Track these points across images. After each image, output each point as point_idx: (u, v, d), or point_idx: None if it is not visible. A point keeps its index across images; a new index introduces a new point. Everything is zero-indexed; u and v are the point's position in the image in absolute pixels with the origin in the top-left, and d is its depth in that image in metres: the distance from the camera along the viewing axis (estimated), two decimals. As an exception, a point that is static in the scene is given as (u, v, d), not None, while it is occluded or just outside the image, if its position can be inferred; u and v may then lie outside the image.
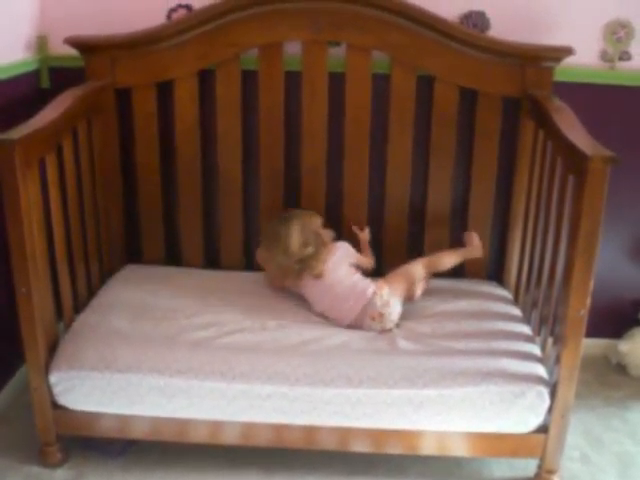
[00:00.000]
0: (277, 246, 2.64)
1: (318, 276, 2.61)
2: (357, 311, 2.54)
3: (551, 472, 2.39)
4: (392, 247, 2.96)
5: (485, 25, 2.77)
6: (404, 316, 2.61)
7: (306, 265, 2.62)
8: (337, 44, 2.76)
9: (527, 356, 2.40)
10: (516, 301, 2.82)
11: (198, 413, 2.34)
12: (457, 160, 2.86)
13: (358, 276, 2.66)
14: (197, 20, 2.69)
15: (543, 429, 2.32)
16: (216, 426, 2.38)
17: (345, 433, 2.36)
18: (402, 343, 2.45)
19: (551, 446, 2.33)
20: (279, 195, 2.92)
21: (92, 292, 2.74)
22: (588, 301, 2.15)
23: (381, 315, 2.53)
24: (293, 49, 2.76)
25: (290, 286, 2.72)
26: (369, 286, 2.58)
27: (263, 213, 2.95)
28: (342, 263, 2.66)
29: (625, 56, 2.81)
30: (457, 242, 2.95)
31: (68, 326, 2.52)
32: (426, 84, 2.77)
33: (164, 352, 2.36)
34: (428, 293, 2.77)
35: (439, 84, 2.76)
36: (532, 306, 2.62)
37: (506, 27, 2.75)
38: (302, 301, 2.69)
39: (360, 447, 2.40)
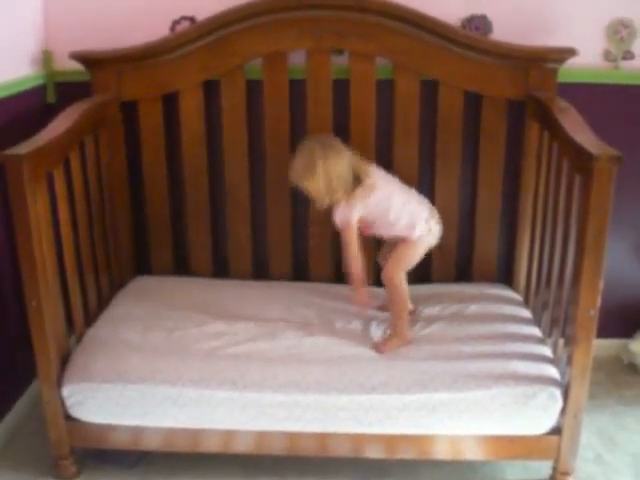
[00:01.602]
0: (335, 152, 2.51)
1: (372, 187, 2.54)
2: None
3: (566, 474, 2.38)
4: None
5: (487, 28, 2.78)
6: (414, 319, 2.63)
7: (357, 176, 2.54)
8: (340, 52, 2.77)
9: (538, 358, 2.40)
10: (526, 303, 2.82)
11: (210, 422, 2.34)
12: (463, 164, 2.86)
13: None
14: (200, 31, 2.70)
15: (556, 430, 2.31)
16: (229, 435, 2.38)
17: (358, 439, 2.36)
18: (413, 346, 2.46)
19: (565, 447, 2.32)
20: (286, 204, 2.92)
21: (102, 304, 2.75)
22: (598, 301, 2.14)
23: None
24: (297, 58, 2.77)
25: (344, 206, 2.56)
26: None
27: (271, 222, 2.96)
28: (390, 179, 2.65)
29: (628, 55, 2.81)
30: (465, 246, 2.95)
31: (79, 339, 2.53)
32: (430, 89, 2.78)
33: (176, 362, 2.36)
34: (438, 297, 2.80)
35: (443, 88, 2.77)
36: (542, 308, 2.62)
37: (508, 30, 2.76)
38: (312, 309, 2.71)
39: (373, 453, 2.40)
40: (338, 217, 2.55)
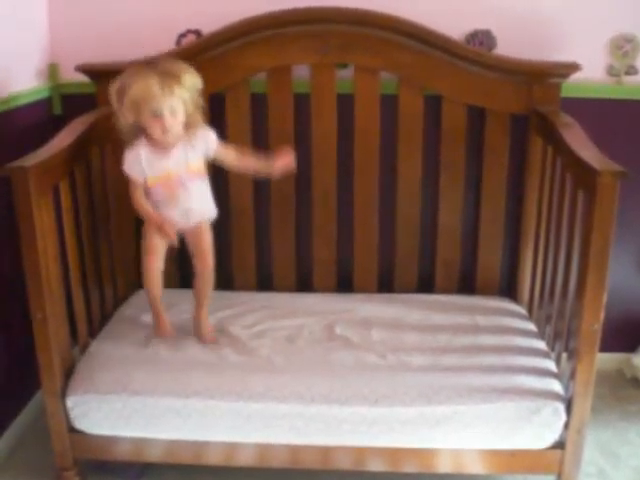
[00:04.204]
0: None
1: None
2: None
3: (568, 488, 2.38)
4: (404, 266, 2.98)
5: (491, 43, 2.79)
6: (418, 331, 2.63)
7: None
8: (345, 66, 2.79)
9: (542, 372, 2.40)
10: (530, 316, 2.82)
11: (214, 434, 2.34)
12: (467, 178, 2.87)
13: None
14: (206, 45, 2.72)
15: (559, 445, 2.31)
16: (232, 448, 2.38)
17: (361, 452, 2.36)
18: (417, 359, 2.45)
19: (568, 462, 2.32)
20: (290, 217, 2.94)
21: (106, 316, 2.76)
22: (601, 315, 2.14)
23: None
24: (301, 72, 2.78)
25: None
26: None
27: (275, 235, 2.97)
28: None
29: (631, 70, 2.82)
30: (468, 259, 2.96)
31: (83, 351, 2.54)
32: (434, 103, 2.79)
33: (180, 373, 2.37)
34: (441, 309, 2.79)
35: (447, 103, 2.78)
36: (546, 321, 2.62)
37: (512, 45, 2.77)
38: (314, 317, 2.72)
39: (376, 466, 2.39)
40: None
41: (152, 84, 2.26)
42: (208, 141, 2.47)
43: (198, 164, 2.46)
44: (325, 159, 2.86)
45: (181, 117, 2.34)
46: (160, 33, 2.82)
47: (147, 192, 2.46)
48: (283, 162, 2.55)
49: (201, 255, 2.57)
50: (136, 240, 2.94)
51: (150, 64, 2.32)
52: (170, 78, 2.28)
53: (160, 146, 2.38)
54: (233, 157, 2.56)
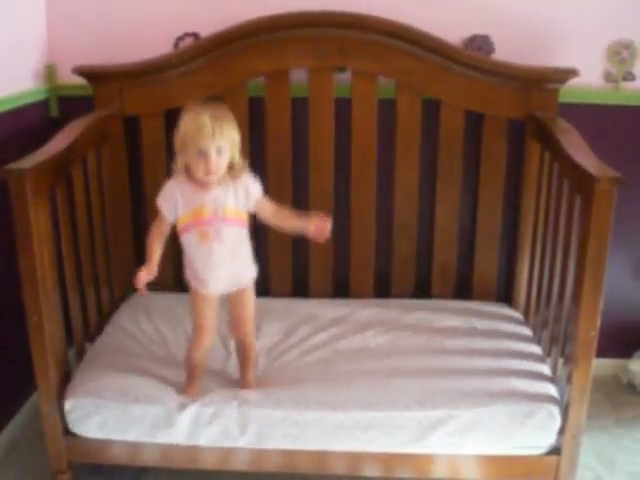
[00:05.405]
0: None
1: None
2: None
3: (564, 494, 2.37)
4: (400, 271, 2.97)
5: (489, 48, 2.80)
6: (414, 336, 2.63)
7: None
8: (343, 70, 2.78)
9: (537, 376, 2.40)
10: (526, 322, 2.82)
11: (209, 440, 2.32)
12: (464, 183, 2.87)
13: None
14: (204, 48, 2.72)
15: (555, 450, 2.30)
16: (226, 452, 2.36)
17: (356, 458, 2.35)
18: (412, 364, 2.46)
19: (564, 468, 2.31)
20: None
21: (103, 319, 2.76)
22: (598, 322, 2.14)
23: None
24: (299, 76, 2.78)
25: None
26: None
27: (271, 240, 2.96)
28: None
29: (629, 76, 2.82)
30: (465, 263, 2.96)
31: (79, 353, 2.53)
32: (432, 108, 2.79)
33: (178, 379, 2.36)
34: (438, 314, 2.79)
35: (445, 108, 2.78)
36: (542, 326, 2.62)
37: (510, 50, 2.78)
38: (310, 323, 2.72)
39: (371, 472, 2.38)
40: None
41: (202, 122, 2.14)
42: (250, 190, 2.28)
43: (236, 211, 2.27)
44: (322, 163, 2.85)
45: (226, 159, 2.19)
46: (158, 36, 2.82)
47: (183, 245, 2.32)
48: (318, 228, 2.34)
49: (242, 323, 2.39)
50: (133, 242, 2.95)
51: (201, 106, 2.22)
52: (220, 119, 2.16)
53: (200, 185, 2.22)
54: (272, 213, 2.36)
